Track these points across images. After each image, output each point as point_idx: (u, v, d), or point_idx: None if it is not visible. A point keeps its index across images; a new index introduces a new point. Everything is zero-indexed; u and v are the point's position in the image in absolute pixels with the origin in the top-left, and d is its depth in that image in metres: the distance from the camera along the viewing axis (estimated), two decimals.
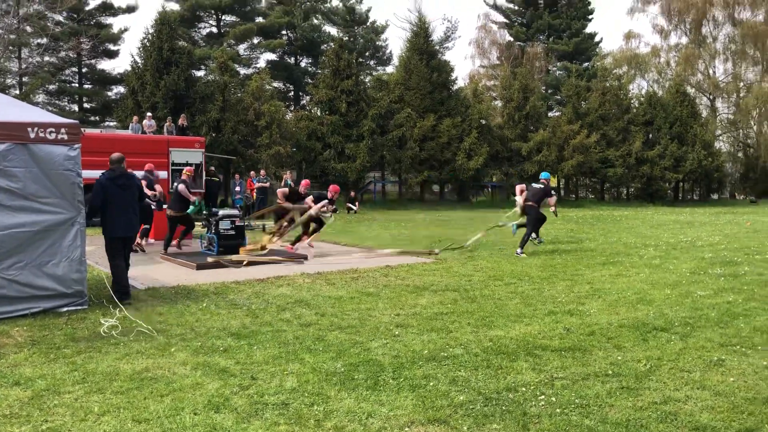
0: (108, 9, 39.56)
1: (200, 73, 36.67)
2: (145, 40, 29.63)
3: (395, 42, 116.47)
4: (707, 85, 48.32)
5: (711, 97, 49.15)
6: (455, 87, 37.84)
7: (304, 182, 14.25)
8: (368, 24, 48.71)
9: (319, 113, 34.85)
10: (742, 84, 48.06)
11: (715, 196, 46.23)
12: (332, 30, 46.49)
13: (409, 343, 5.63)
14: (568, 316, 6.73)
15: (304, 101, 44.40)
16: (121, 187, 7.50)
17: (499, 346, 5.53)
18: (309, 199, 13.29)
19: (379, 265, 10.67)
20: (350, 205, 28.04)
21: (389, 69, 46.51)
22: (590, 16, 50.29)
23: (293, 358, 5.18)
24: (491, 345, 5.58)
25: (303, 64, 46.72)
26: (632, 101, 42.81)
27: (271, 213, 14.55)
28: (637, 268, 10.38)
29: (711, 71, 49.07)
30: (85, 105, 40.37)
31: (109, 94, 40.45)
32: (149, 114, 23.64)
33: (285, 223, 12.94)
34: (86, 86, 40.13)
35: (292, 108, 43.16)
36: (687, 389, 4.47)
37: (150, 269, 10.32)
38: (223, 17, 43.34)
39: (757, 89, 44.52)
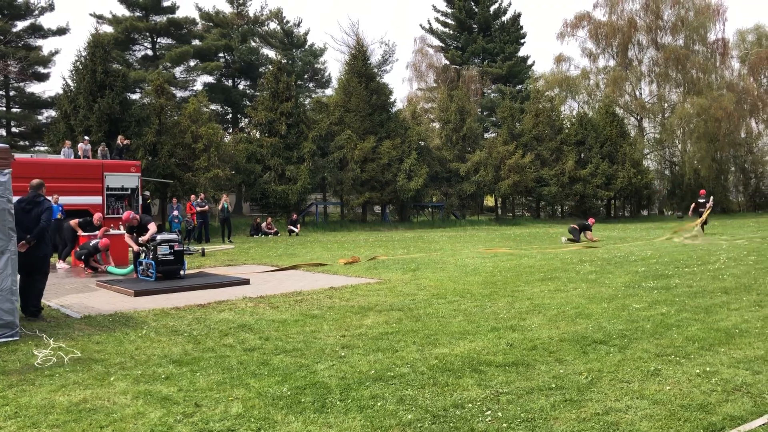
0: (37, 31, 38.37)
1: (135, 96, 35.93)
2: (78, 62, 28.85)
3: (334, 65, 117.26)
4: (634, 105, 50.24)
5: (638, 117, 51.10)
6: (394, 109, 38.22)
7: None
8: (306, 47, 48.84)
9: (258, 135, 34.58)
10: (666, 105, 50.19)
11: (645, 213, 47.88)
12: (270, 53, 46.42)
13: (355, 364, 5.60)
14: (510, 332, 6.83)
15: (243, 123, 44.00)
16: (24, 210, 7.62)
17: (445, 364, 5.56)
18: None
19: (323, 287, 10.61)
20: (292, 227, 27.84)
21: (328, 91, 46.69)
22: (522, 40, 51.85)
23: (238, 383, 5.08)
24: (437, 363, 5.61)
25: (241, 87, 46.38)
26: (564, 122, 44.11)
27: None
28: (574, 283, 10.63)
29: (638, 93, 51.10)
30: (14, 129, 38.90)
31: (40, 118, 39.12)
32: (86, 138, 22.99)
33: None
34: (14, 110, 38.71)
35: (230, 130, 42.70)
36: (627, 399, 4.59)
37: (85, 297, 9.97)
38: (158, 40, 42.67)
39: (680, 110, 46.52)
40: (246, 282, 11.20)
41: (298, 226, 28.66)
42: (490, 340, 6.45)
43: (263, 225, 27.33)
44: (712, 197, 24.94)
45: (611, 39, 49.45)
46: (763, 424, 4.08)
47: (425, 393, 4.79)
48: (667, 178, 50.14)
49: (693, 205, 24.60)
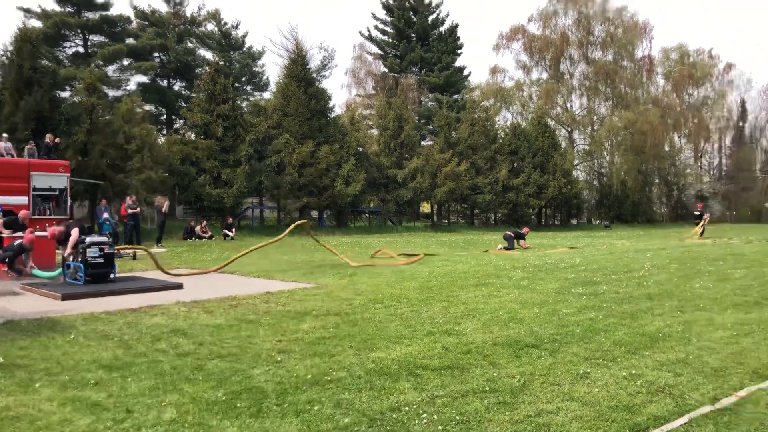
0: None
1: (66, 94, 34.64)
2: (3, 57, 27.63)
3: (272, 68, 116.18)
4: (565, 118, 51.82)
5: (569, 129, 52.72)
6: (333, 114, 38.17)
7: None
8: (245, 49, 48.26)
9: (193, 137, 33.89)
10: (595, 117, 51.99)
11: (574, 221, 49.33)
12: (207, 54, 45.66)
13: (292, 369, 5.56)
14: (446, 336, 6.92)
15: (178, 125, 43.06)
16: None
17: (382, 368, 5.59)
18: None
19: (258, 291, 10.48)
20: (227, 231, 27.40)
21: (266, 95, 46.26)
22: (459, 51, 52.69)
23: (171, 388, 4.96)
24: (374, 367, 5.62)
25: (176, 88, 45.41)
26: (499, 132, 45.07)
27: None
28: (507, 288, 10.85)
29: (569, 105, 52.75)
30: None
31: None
32: (5, 135, 22.01)
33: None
34: None
35: (164, 132, 41.71)
36: (558, 401, 4.72)
37: (9, 301, 9.54)
38: (91, 37, 41.32)
39: (609, 123, 48.30)
40: (179, 286, 10.96)
41: (234, 230, 28.22)
42: (426, 345, 6.51)
43: (197, 228, 26.79)
44: (708, 212, 28.23)
45: (544, 52, 50.90)
46: (684, 424, 4.27)
47: (362, 397, 4.80)
48: (596, 189, 51.80)
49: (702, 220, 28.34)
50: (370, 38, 53.29)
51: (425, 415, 4.39)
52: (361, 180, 35.16)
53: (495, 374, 5.42)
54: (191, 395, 4.78)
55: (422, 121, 50.10)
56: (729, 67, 59.67)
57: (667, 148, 53.97)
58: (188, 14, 45.85)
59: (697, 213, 29.26)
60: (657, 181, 54.64)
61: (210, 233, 27.08)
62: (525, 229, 23.53)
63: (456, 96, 50.94)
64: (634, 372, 5.50)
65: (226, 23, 47.68)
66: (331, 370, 5.53)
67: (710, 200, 56.23)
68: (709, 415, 4.44)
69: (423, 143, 46.56)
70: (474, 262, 16.17)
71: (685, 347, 6.44)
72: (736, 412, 4.50)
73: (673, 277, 12.51)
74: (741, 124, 63.22)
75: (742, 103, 63.40)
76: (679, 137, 56.73)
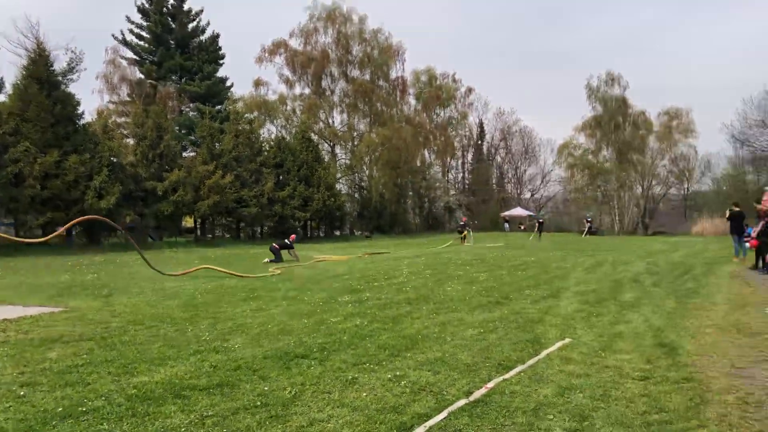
0: None
1: None
2: None
3: (8, 68, 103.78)
4: (328, 133, 53.40)
5: (331, 143, 54.44)
6: (83, 122, 35.09)
7: None
8: None
9: None
10: (355, 133, 54.32)
11: (337, 233, 50.95)
12: None
13: (38, 403, 4.96)
14: (213, 354, 6.70)
15: None
16: None
17: (145, 392, 5.23)
18: None
19: None
20: None
21: (1, 98, 41.14)
22: (221, 61, 51.73)
23: None
24: (136, 392, 5.24)
25: None
26: (264, 144, 45.03)
27: None
28: (276, 301, 10.84)
29: (331, 120, 54.43)
30: None
31: None
32: None
33: None
34: None
35: None
36: (329, 409, 4.80)
37: None
38: None
39: (368, 138, 50.78)
40: None
41: None
42: (192, 364, 6.24)
43: None
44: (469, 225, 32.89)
45: (306, 68, 52.01)
46: (444, 418, 4.59)
47: (123, 426, 4.44)
48: (357, 201, 54.10)
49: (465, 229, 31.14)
50: (125, 42, 50.07)
51: None
52: (116, 193, 32.76)
53: (266, 388, 5.36)
54: None
55: (183, 132, 48.24)
56: (469, 90, 66.37)
57: (419, 163, 58.19)
58: None
59: (461, 224, 33.22)
60: (411, 193, 58.61)
61: None
62: (292, 237, 23.73)
63: (219, 107, 49.87)
64: (398, 373, 5.80)
65: None
66: (86, 400, 5.04)
67: (456, 211, 61.85)
68: (464, 407, 4.83)
69: (185, 154, 44.83)
70: (243, 276, 15.93)
71: (442, 346, 6.96)
72: (486, 402, 4.96)
73: (428, 282, 13.49)
74: (480, 142, 70.65)
75: (480, 124, 70.93)
76: (429, 153, 61.55)
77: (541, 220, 43.04)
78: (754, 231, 15.79)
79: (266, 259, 21.57)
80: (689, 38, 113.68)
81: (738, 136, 55.54)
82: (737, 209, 18.96)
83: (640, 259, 19.56)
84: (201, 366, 6.16)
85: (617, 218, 55.15)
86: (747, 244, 18.17)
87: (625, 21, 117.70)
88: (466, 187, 69.09)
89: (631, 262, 18.69)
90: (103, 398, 5.08)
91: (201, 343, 7.26)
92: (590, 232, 47.07)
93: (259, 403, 4.93)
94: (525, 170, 73.87)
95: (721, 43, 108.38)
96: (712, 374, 5.74)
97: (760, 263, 15.30)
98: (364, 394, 5.19)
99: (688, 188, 65.14)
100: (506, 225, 56.86)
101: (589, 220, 49.63)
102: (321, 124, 53.43)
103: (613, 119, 56.86)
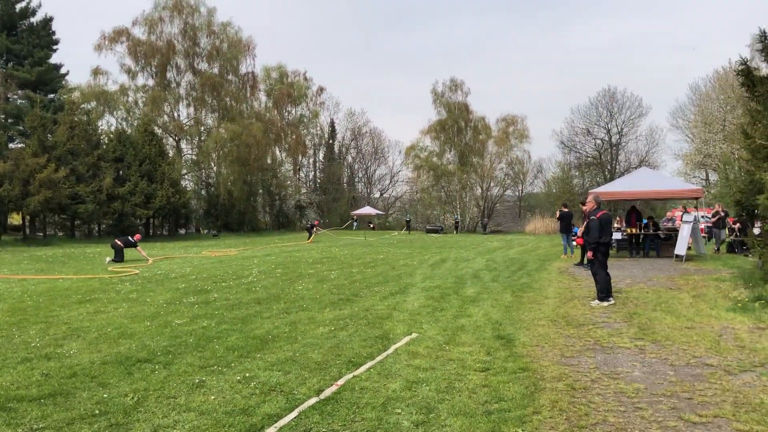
0: None
1: None
2: None
3: None
4: (173, 126, 51.18)
5: (177, 138, 52.22)
6: None
7: None
8: None
9: None
10: (203, 128, 52.54)
11: (182, 231, 49.03)
12: None
13: None
14: (45, 361, 6.22)
15: None
16: None
17: None
18: None
19: None
20: None
21: None
22: (55, 47, 47.93)
23: None
24: None
25: None
26: (102, 137, 42.33)
27: None
28: (115, 303, 10.26)
29: (176, 114, 52.20)
30: None
31: None
32: None
33: None
34: None
35: None
36: (174, 414, 4.63)
37: None
38: None
39: (216, 134, 49.28)
40: None
41: None
42: (20, 373, 5.76)
43: None
44: (319, 226, 33.90)
45: (150, 59, 49.49)
46: (294, 418, 4.59)
47: None
48: (204, 198, 52.37)
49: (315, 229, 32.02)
50: None
51: None
52: None
53: (105, 395, 5.06)
54: None
55: (10, 121, 44.13)
56: (321, 89, 66.64)
57: (269, 161, 57.44)
58: None
59: (312, 225, 34.38)
60: (261, 191, 57.74)
61: None
62: (137, 236, 22.52)
63: (52, 95, 46.20)
64: (247, 375, 5.70)
65: None
66: None
67: (307, 209, 61.84)
68: (315, 406, 4.85)
69: (11, 145, 41.07)
70: (77, 277, 14.88)
71: (292, 346, 6.94)
72: (336, 400, 5.01)
73: (278, 281, 13.38)
74: (331, 141, 71.15)
75: (332, 123, 71.44)
76: (280, 151, 60.96)
77: (408, 219, 53.09)
78: (579, 230, 17.20)
79: (107, 258, 20.33)
80: (523, 47, 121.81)
81: (566, 142, 60.89)
82: (566, 210, 20.69)
83: (480, 256, 20.68)
84: (30, 375, 5.69)
85: (459, 217, 57.76)
86: (574, 242, 19.80)
87: (470, 27, 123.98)
88: (318, 185, 69.29)
89: (471, 259, 19.70)
90: None
91: (30, 350, 6.71)
92: (408, 228, 53.75)
93: (97, 412, 4.65)
94: (375, 170, 75.59)
95: (552, 53, 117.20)
96: (544, 363, 6.20)
97: (585, 260, 16.78)
98: (212, 397, 5.05)
99: (522, 190, 70.01)
100: (354, 224, 57.73)
101: (407, 219, 56.68)
102: (166, 117, 51.10)
103: (456, 123, 59.63)
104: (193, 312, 9.26)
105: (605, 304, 9.93)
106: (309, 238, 34.93)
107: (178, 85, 51.68)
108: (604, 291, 10.12)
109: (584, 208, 15.39)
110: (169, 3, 49.80)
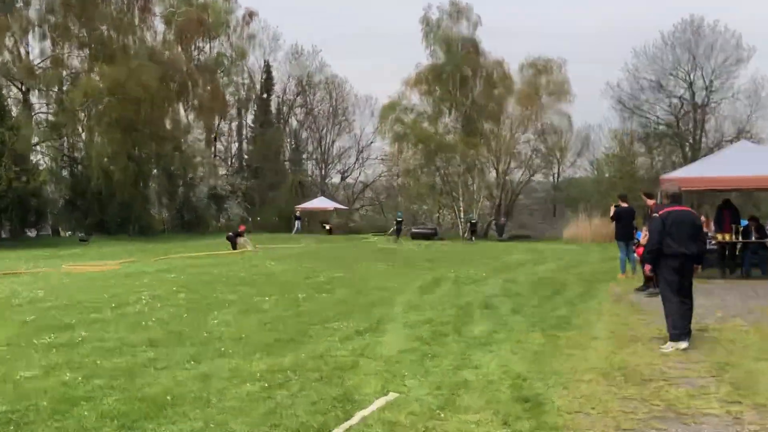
0: None
1: None
2: None
3: None
4: (19, 69, 50.31)
5: (24, 88, 51.31)
6: None
7: None
8: None
9: None
10: (65, 72, 51.78)
11: (32, 233, 48.24)
12: None
13: None
14: None
15: None
16: None
17: None
18: None
19: None
20: None
21: None
22: None
23: None
24: None
25: None
26: None
27: None
28: None
29: (23, 50, 51.46)
30: None
31: None
32: None
33: None
34: None
35: None
36: None
37: None
38: None
39: (86, 82, 48.45)
40: None
41: None
42: None
43: None
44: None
45: None
46: None
47: None
48: (66, 183, 51.46)
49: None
50: None
51: None
52: None
53: None
54: None
55: None
56: (251, 15, 66.06)
57: (169, 125, 56.58)
58: None
59: (238, 233, 36.12)
60: (156, 172, 56.49)
61: None
62: None
63: None
64: None
65: None
66: None
67: (228, 201, 61.34)
68: None
69: None
70: None
71: (204, 411, 6.89)
72: None
73: (182, 311, 13.31)
74: (266, 96, 70.02)
75: (267, 68, 70.20)
76: (186, 110, 60.35)
77: (399, 219, 48.65)
78: (642, 235, 17.07)
79: None
80: None
81: (627, 102, 59.81)
82: (625, 205, 20.55)
83: (494, 275, 20.76)
84: None
85: (462, 216, 56.90)
86: (635, 254, 19.51)
87: None
88: (245, 164, 68.90)
89: (481, 279, 19.77)
90: None
91: None
92: (398, 233, 50.09)
93: None
94: (333, 141, 74.78)
95: None
96: None
97: (652, 281, 16.70)
98: None
99: (558, 174, 69.67)
100: (297, 223, 56.70)
101: (399, 220, 52.09)
102: (7, 54, 50.38)
103: (459, 71, 57.80)
104: (50, 359, 9.16)
105: (682, 345, 9.93)
106: (234, 247, 34.57)
107: (27, 4, 50.90)
108: (677, 326, 10.10)
109: (649, 202, 15.26)
110: None
